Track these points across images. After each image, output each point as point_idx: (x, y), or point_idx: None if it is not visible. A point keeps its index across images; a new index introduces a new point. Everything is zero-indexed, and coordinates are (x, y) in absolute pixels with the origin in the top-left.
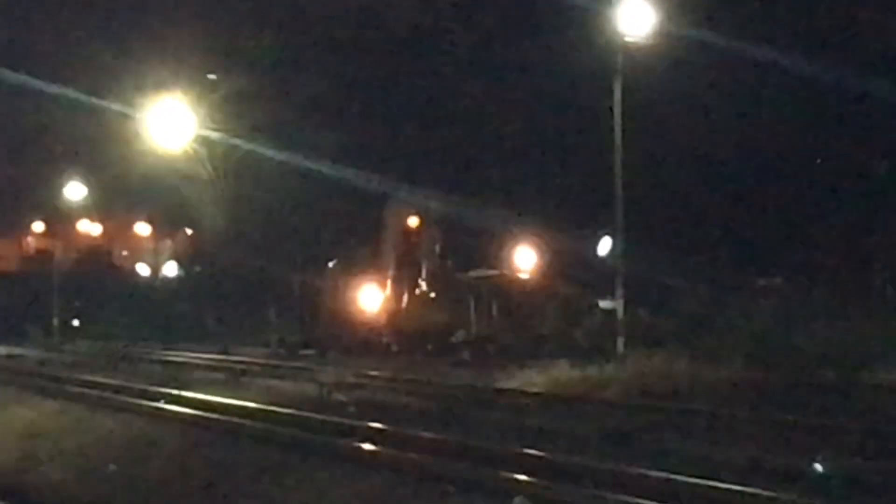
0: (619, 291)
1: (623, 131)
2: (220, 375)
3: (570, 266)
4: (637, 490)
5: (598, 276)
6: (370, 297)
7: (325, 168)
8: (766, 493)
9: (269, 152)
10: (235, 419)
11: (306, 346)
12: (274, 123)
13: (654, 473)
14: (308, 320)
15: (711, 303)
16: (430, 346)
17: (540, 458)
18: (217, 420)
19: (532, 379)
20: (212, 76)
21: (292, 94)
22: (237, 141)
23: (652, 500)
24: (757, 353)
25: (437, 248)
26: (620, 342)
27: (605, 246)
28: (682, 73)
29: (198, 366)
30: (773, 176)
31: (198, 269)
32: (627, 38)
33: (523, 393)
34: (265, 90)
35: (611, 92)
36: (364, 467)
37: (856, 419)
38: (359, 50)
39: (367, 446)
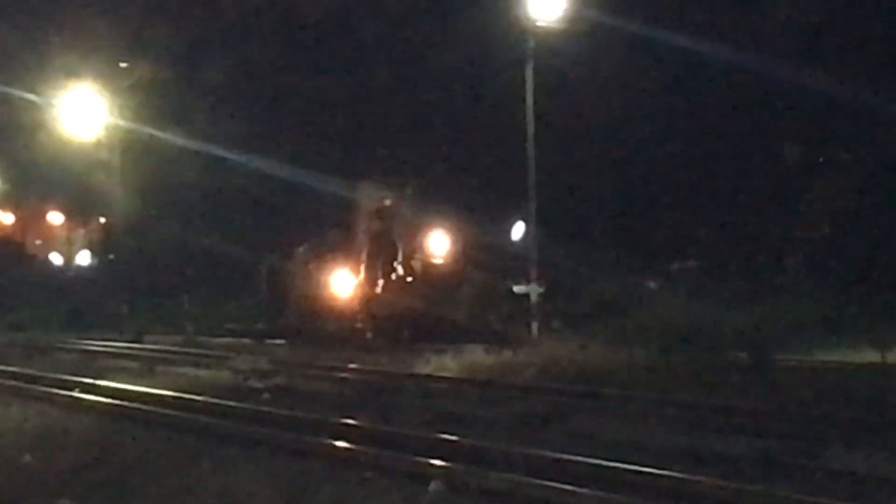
0: (533, 276)
1: (536, 116)
2: (134, 364)
3: (483, 252)
4: (551, 474)
5: (512, 262)
6: (342, 283)
7: (235, 155)
8: (679, 475)
9: (179, 140)
10: (150, 407)
11: (271, 336)
12: (183, 111)
13: (568, 457)
14: (274, 307)
15: (625, 287)
16: (406, 333)
17: (454, 442)
18: (132, 408)
19: (447, 364)
20: (123, 64)
21: (201, 81)
22: (147, 129)
23: (566, 483)
24: (669, 336)
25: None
26: (534, 327)
27: (518, 231)
28: (594, 58)
29: (112, 354)
30: (685, 161)
31: (111, 257)
32: (539, 23)
33: (438, 378)
34: (175, 78)
35: (523, 77)
36: (279, 454)
37: (768, 400)
38: (268, 36)
39: (282, 433)
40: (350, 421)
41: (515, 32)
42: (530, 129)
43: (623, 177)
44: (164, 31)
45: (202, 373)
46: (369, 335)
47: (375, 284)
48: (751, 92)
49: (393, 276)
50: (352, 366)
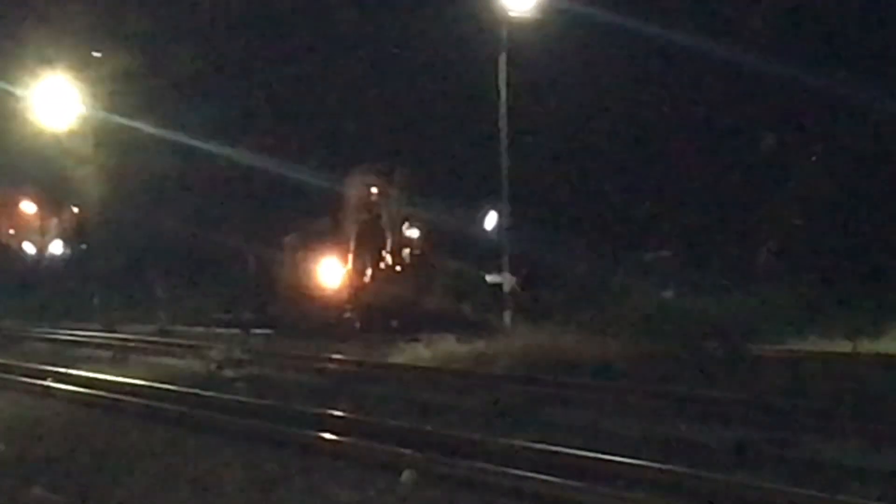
0: (506, 266)
1: (509, 106)
2: (107, 353)
3: (456, 241)
4: (524, 463)
5: (485, 251)
6: (330, 272)
7: (207, 144)
8: (654, 464)
9: (152, 129)
10: (123, 396)
11: (259, 325)
12: (157, 99)
13: (541, 446)
14: (262, 296)
15: (598, 277)
16: (395, 323)
17: (428, 432)
18: (104, 397)
19: (420, 353)
20: (96, 53)
21: (174, 70)
22: (121, 118)
23: (539, 472)
24: (643, 325)
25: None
26: (507, 316)
27: (491, 221)
28: (567, 48)
29: (85, 343)
30: (659, 150)
31: (83, 246)
32: (512, 13)
33: (412, 367)
34: (148, 67)
35: (497, 67)
36: (252, 443)
37: (741, 390)
38: (241, 25)
39: (255, 422)
40: (324, 410)
41: (489, 23)
42: (503, 118)
43: (597, 166)
44: (137, 19)
45: (175, 362)
46: (357, 325)
47: (364, 273)
48: (726, 82)
49: (381, 265)
50: (327, 355)
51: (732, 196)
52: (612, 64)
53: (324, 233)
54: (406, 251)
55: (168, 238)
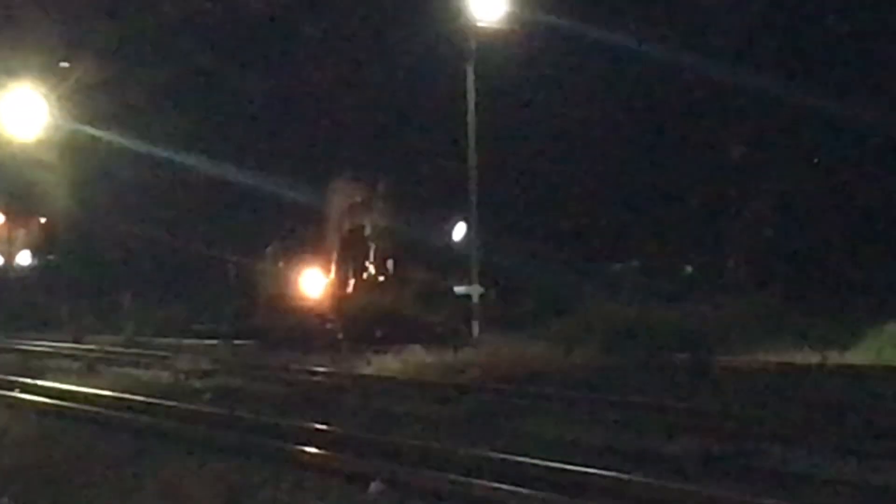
0: (475, 277)
1: (477, 117)
2: (75, 364)
3: (425, 252)
4: (492, 474)
5: (454, 262)
6: (312, 282)
7: (175, 155)
8: (621, 475)
9: (120, 139)
10: (90, 407)
11: (238, 336)
12: (125, 110)
13: (509, 457)
14: (242, 307)
15: (567, 287)
16: (378, 335)
17: (396, 443)
18: (72, 408)
19: (389, 364)
20: (64, 64)
21: (142, 81)
22: (89, 128)
23: (507, 483)
24: (612, 336)
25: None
26: (476, 327)
27: (459, 232)
28: (535, 58)
29: (53, 354)
30: (627, 161)
31: (51, 257)
32: (480, 23)
33: (380, 378)
34: (116, 77)
35: (465, 77)
36: (219, 454)
37: (708, 401)
38: (208, 35)
39: (222, 433)
40: (290, 421)
41: (457, 33)
42: (471, 128)
43: (565, 177)
44: (104, 29)
45: (143, 373)
46: (340, 336)
47: (347, 284)
48: (693, 92)
49: (364, 276)
50: (295, 366)
51: (700, 206)
52: (580, 74)
53: (306, 242)
54: (390, 262)
55: (137, 248)
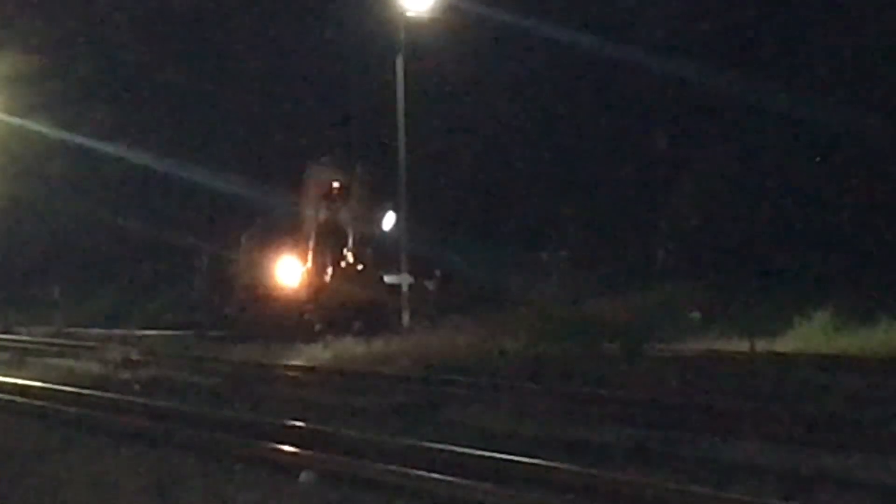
0: (404, 266)
1: (406, 107)
2: (4, 355)
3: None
4: (421, 463)
5: (383, 251)
6: (289, 271)
7: (102, 146)
8: (551, 463)
9: (49, 130)
10: (19, 398)
11: (215, 327)
12: (55, 102)
13: (438, 446)
14: (218, 297)
15: (497, 277)
16: (356, 324)
17: (325, 433)
18: (1, 399)
19: (318, 354)
20: None
21: (69, 73)
22: (18, 119)
23: (436, 472)
24: (541, 325)
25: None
26: (405, 316)
27: (389, 221)
28: (465, 49)
29: None
30: (556, 151)
31: None
32: (410, 14)
33: (309, 369)
34: (45, 69)
35: (394, 68)
36: (146, 444)
37: (639, 389)
38: (137, 28)
39: (150, 423)
40: (220, 412)
41: (386, 24)
42: (400, 119)
43: (495, 167)
44: (32, 21)
45: (72, 364)
46: (318, 326)
47: (324, 273)
48: (621, 82)
49: (342, 264)
50: (225, 357)
51: (629, 195)
52: (508, 63)
53: (283, 230)
54: (368, 250)
55: (73, 240)
